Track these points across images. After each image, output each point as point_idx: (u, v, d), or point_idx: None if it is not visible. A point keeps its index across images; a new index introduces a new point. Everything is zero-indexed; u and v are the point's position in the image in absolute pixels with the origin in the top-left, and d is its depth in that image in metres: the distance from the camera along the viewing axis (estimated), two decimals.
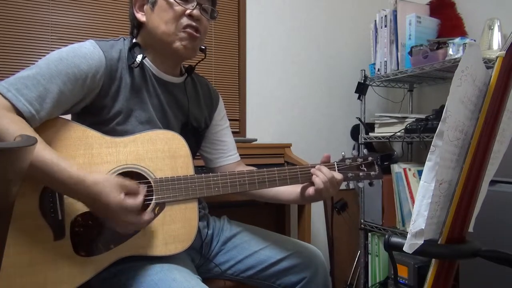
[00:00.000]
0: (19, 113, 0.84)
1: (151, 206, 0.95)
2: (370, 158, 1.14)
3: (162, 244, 0.96)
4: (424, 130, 1.77)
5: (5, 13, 1.67)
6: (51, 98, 0.88)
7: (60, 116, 0.94)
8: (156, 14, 1.01)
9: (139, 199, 0.86)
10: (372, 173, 1.13)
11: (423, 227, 0.62)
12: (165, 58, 1.07)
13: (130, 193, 0.86)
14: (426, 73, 1.87)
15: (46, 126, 0.90)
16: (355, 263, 2.25)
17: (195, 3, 1.02)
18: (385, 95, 2.41)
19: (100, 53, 0.96)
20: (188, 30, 1.02)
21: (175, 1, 1.00)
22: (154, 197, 0.96)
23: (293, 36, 2.25)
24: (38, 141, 0.80)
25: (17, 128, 0.79)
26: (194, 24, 1.02)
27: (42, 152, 0.80)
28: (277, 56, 2.20)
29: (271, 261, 1.15)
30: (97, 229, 0.91)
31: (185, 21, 1.01)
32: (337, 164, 1.11)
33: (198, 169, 1.09)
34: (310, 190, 1.07)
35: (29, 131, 0.82)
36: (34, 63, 0.90)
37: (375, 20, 2.09)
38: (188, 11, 1.01)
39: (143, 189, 0.89)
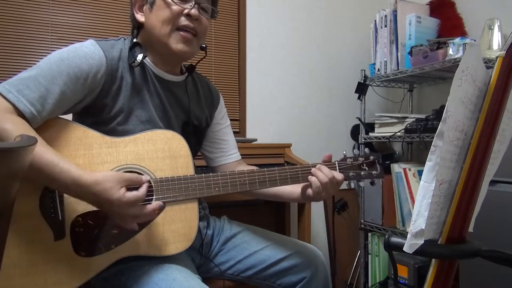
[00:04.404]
0: (20, 114, 0.84)
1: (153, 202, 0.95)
2: (371, 157, 1.14)
3: (163, 244, 0.96)
4: (424, 130, 1.77)
5: (5, 13, 1.67)
6: (52, 99, 0.88)
7: (61, 116, 0.94)
8: (154, 14, 1.01)
9: (141, 190, 0.87)
10: (373, 172, 1.13)
11: (423, 227, 0.62)
12: (164, 58, 1.07)
13: (131, 186, 0.86)
14: (426, 73, 1.87)
15: (46, 126, 0.90)
16: (355, 263, 2.25)
17: (193, 3, 1.01)
18: (385, 95, 2.41)
19: (101, 52, 0.96)
20: (183, 32, 1.01)
21: (173, 0, 1.00)
22: (154, 197, 0.95)
23: (293, 36, 2.25)
24: (39, 143, 0.80)
25: (19, 130, 0.79)
26: (191, 24, 1.02)
27: (44, 154, 0.80)
28: (277, 56, 2.20)
29: (271, 261, 1.15)
30: (98, 229, 0.91)
31: (182, 21, 1.01)
32: (338, 164, 1.11)
33: (198, 169, 1.09)
34: (310, 190, 1.07)
35: (31, 133, 0.82)
36: (34, 64, 0.90)
37: (375, 20, 2.09)
38: (186, 11, 1.01)
39: (145, 179, 0.90)
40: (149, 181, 0.93)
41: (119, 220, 0.87)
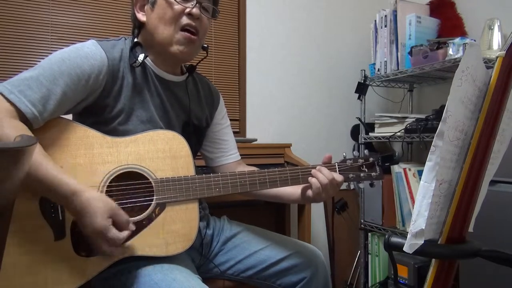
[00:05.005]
0: (21, 114, 0.84)
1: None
2: (371, 159, 1.14)
3: (163, 244, 0.96)
4: (424, 130, 1.77)
5: (5, 13, 1.67)
6: (54, 99, 0.88)
7: (62, 116, 0.94)
8: (156, 14, 1.01)
9: (123, 234, 0.85)
10: (373, 173, 1.13)
11: (423, 227, 0.62)
12: (164, 58, 1.07)
13: (118, 223, 0.85)
14: (426, 73, 1.87)
15: (47, 126, 0.90)
16: (355, 263, 2.25)
17: (195, 2, 1.01)
18: (385, 95, 2.41)
19: (102, 53, 0.96)
20: (186, 33, 1.01)
21: (175, 0, 1.00)
22: (155, 197, 0.96)
23: (293, 36, 2.25)
24: (38, 152, 0.80)
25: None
26: (193, 23, 1.02)
27: (44, 165, 0.81)
28: (277, 56, 2.20)
29: (271, 261, 1.15)
30: None
31: (184, 20, 1.01)
32: (338, 165, 1.11)
33: (199, 169, 1.09)
34: (310, 191, 1.07)
35: None
36: (34, 64, 0.90)
37: (375, 20, 2.09)
38: (187, 10, 1.01)
39: (131, 226, 0.88)
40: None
41: (90, 240, 0.86)
